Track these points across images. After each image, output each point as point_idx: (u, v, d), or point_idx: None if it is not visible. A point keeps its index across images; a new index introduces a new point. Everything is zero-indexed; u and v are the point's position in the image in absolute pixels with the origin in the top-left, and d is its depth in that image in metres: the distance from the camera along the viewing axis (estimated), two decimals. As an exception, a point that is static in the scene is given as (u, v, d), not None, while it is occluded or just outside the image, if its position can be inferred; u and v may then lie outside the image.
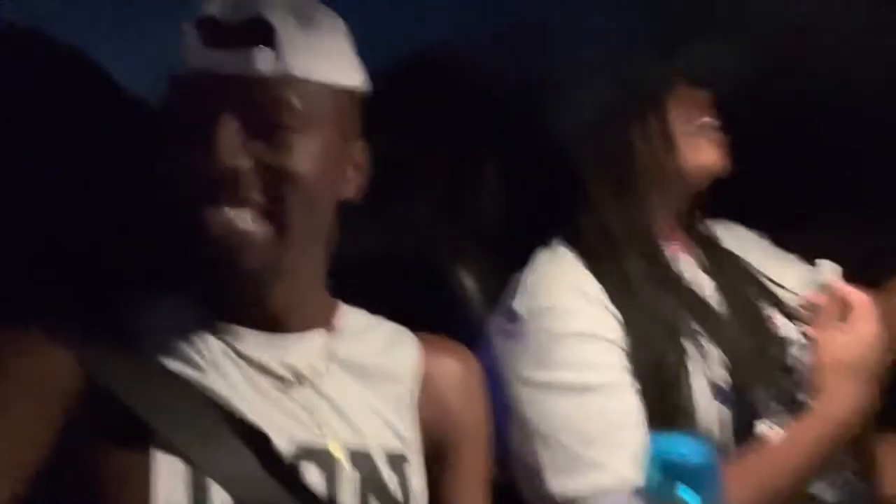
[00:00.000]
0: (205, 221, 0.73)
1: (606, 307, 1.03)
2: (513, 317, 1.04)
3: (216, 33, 0.74)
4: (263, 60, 0.73)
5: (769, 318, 1.16)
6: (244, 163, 0.73)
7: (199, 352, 0.77)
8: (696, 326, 1.06)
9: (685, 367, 1.02)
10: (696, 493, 0.65)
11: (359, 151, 0.85)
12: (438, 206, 1.37)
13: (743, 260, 1.21)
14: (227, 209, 0.73)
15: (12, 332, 0.75)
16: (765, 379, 1.07)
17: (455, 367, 0.91)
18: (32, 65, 0.97)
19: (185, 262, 0.81)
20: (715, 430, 1.02)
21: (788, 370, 1.12)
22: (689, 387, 1.01)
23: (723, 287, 1.15)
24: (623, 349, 1.01)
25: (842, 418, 1.00)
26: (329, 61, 0.78)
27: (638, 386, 1.00)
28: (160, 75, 0.79)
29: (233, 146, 0.72)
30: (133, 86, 1.03)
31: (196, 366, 0.76)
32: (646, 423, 0.98)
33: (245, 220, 0.73)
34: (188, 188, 0.73)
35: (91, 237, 0.90)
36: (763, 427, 1.04)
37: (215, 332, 0.79)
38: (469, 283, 1.22)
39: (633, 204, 1.09)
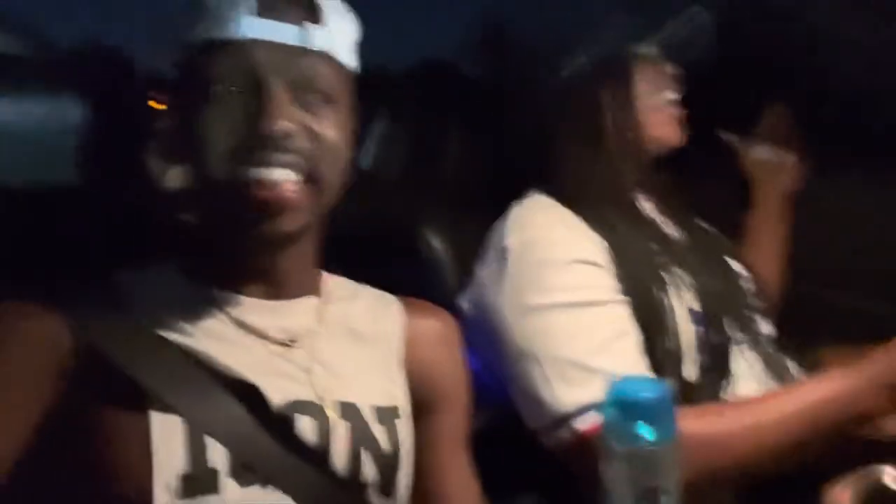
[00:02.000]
0: (255, 179, 0.76)
1: (594, 241, 1.08)
2: (504, 252, 1.08)
3: (268, 5, 0.78)
4: (316, 36, 0.79)
5: (727, 258, 1.24)
6: (293, 126, 0.77)
7: (194, 318, 0.81)
8: (669, 259, 1.11)
9: (667, 293, 1.07)
10: (651, 427, 0.68)
11: (357, 131, 0.89)
12: (406, 172, 1.39)
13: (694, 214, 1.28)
14: (275, 168, 0.77)
15: (8, 301, 0.78)
16: (732, 306, 1.13)
17: (437, 328, 0.95)
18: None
19: (185, 231, 0.83)
20: (695, 352, 1.06)
21: (750, 301, 1.20)
22: (672, 310, 1.06)
23: (685, 230, 1.22)
24: (611, 272, 1.06)
25: (865, 405, 0.96)
26: (350, 46, 0.85)
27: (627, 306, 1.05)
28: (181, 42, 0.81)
29: (285, 109, 0.77)
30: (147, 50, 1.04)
31: (191, 331, 0.79)
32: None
33: (291, 180, 0.78)
34: (237, 148, 0.77)
35: (87, 207, 0.91)
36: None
37: (212, 299, 0.83)
38: (438, 245, 1.25)
39: (603, 161, 1.14)
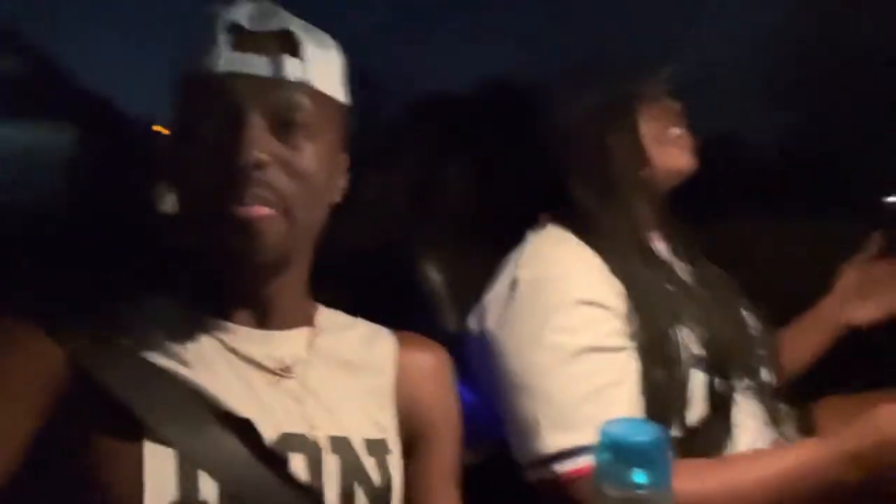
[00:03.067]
0: (227, 211, 0.77)
1: (609, 280, 1.08)
2: (515, 283, 1.08)
3: (246, 40, 0.79)
4: (292, 68, 0.80)
5: (736, 303, 1.23)
6: (267, 158, 0.77)
7: (188, 346, 0.81)
8: (682, 303, 1.11)
9: (679, 341, 1.07)
10: (645, 472, 0.67)
11: (345, 161, 0.90)
12: (405, 205, 1.40)
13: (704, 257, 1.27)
14: (248, 200, 0.77)
15: (3, 326, 0.78)
16: (739, 355, 1.12)
17: (429, 362, 0.95)
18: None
19: (180, 259, 0.83)
20: (699, 397, 1.06)
21: (757, 350, 1.19)
22: (681, 355, 1.06)
23: (697, 273, 1.21)
24: (621, 318, 1.06)
25: (837, 474, 0.95)
26: (333, 77, 0.85)
27: (635, 351, 1.05)
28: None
29: (259, 141, 0.77)
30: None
31: (185, 360, 0.79)
32: (639, 384, 1.04)
33: (265, 210, 0.78)
34: (213, 179, 0.77)
35: (84, 236, 0.91)
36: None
37: (206, 328, 0.83)
38: (436, 279, 1.24)
39: (615, 203, 1.14)
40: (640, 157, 1.14)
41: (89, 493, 0.72)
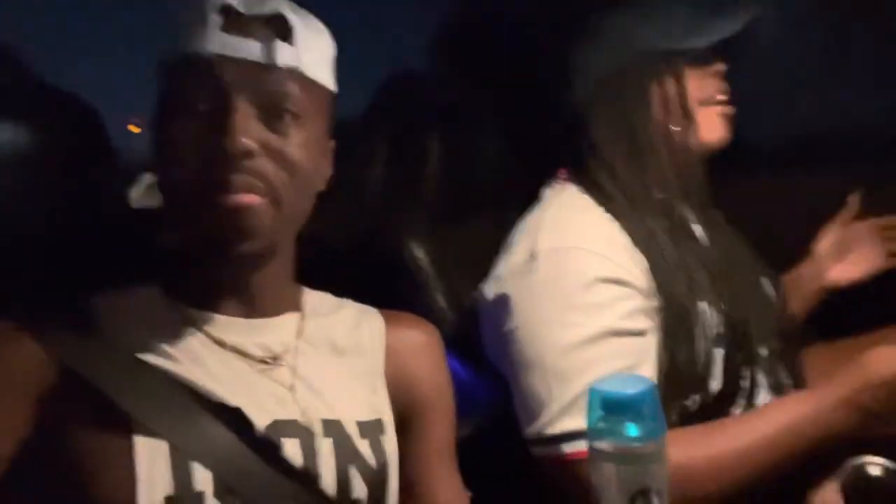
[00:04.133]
0: (214, 200, 0.76)
1: (631, 255, 1.05)
2: (534, 255, 1.05)
3: (237, 22, 0.78)
4: (283, 53, 0.79)
5: (757, 274, 1.22)
6: (255, 146, 0.76)
7: (173, 339, 0.80)
8: (705, 277, 1.09)
9: (702, 316, 1.05)
10: (636, 425, 0.68)
11: (331, 148, 0.90)
12: (389, 184, 1.40)
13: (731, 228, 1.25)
14: (236, 188, 0.76)
15: None
16: (757, 332, 1.11)
17: (418, 339, 0.95)
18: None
19: (162, 251, 0.83)
20: (717, 373, 1.06)
21: (773, 321, 1.17)
22: (703, 334, 1.05)
23: (720, 244, 1.18)
24: (644, 294, 1.04)
25: (832, 422, 0.96)
26: (323, 64, 0.85)
27: (657, 330, 1.04)
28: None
29: (247, 126, 0.76)
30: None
31: (171, 352, 0.79)
32: (659, 366, 1.03)
33: (252, 199, 0.77)
34: (199, 166, 0.76)
35: (64, 230, 0.91)
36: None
37: (191, 320, 0.82)
38: (422, 257, 1.25)
39: (647, 163, 1.11)
40: (685, 116, 1.10)
41: (83, 491, 0.72)
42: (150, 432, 0.74)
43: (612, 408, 0.68)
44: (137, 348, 0.78)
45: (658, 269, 1.05)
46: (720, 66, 1.14)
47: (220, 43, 0.77)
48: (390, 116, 1.40)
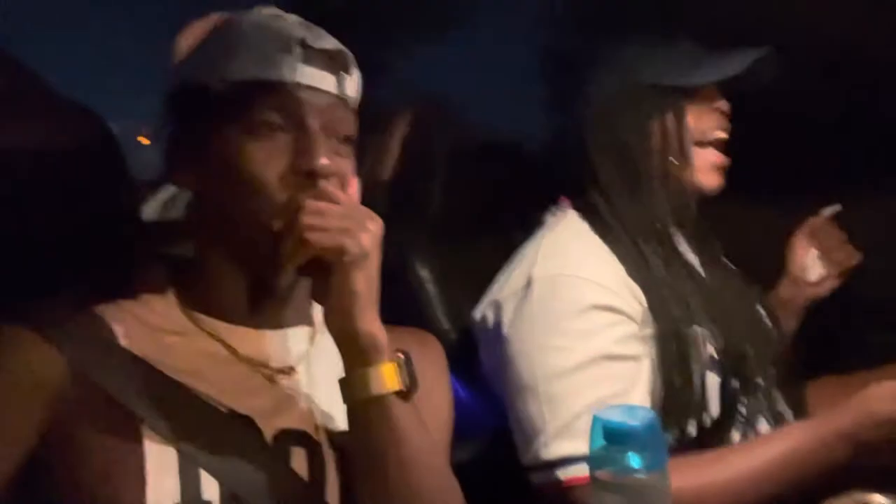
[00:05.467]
0: (294, 217, 0.77)
1: (626, 282, 1.06)
2: (530, 281, 1.06)
3: (313, 56, 0.83)
4: (348, 85, 0.86)
5: (753, 303, 1.22)
6: (335, 171, 0.81)
7: (186, 347, 0.81)
8: (701, 305, 1.09)
9: (696, 342, 1.06)
10: (639, 456, 0.68)
11: None
12: (394, 203, 1.40)
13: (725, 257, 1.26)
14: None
15: (2, 330, 0.77)
16: (754, 359, 1.11)
17: (422, 352, 0.94)
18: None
19: (177, 261, 0.83)
20: (713, 399, 1.06)
21: (770, 349, 1.18)
22: (698, 359, 1.05)
23: (717, 274, 1.19)
24: (637, 322, 1.05)
25: (830, 454, 0.96)
26: (358, 92, 0.89)
27: (650, 356, 1.04)
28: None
29: (327, 148, 0.81)
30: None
31: (184, 360, 0.80)
32: (653, 392, 1.03)
33: None
34: (279, 182, 0.79)
35: (79, 236, 0.91)
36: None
37: (205, 330, 0.83)
38: (426, 276, 1.25)
39: (643, 195, 1.12)
40: (681, 153, 1.12)
41: (93, 496, 0.73)
42: (160, 439, 0.75)
43: (614, 438, 0.68)
44: (150, 355, 0.79)
45: (652, 297, 1.06)
46: (723, 105, 1.15)
47: (304, 73, 0.82)
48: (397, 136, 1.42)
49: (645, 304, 1.05)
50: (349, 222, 0.76)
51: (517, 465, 1.04)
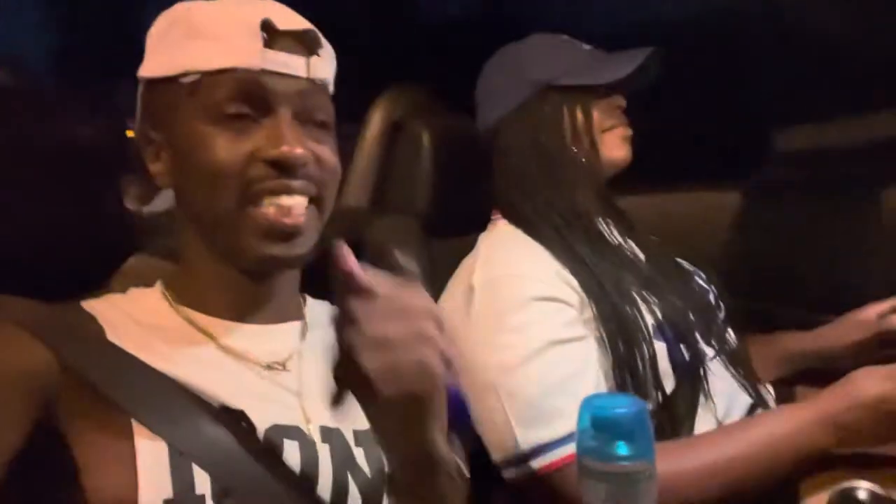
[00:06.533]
0: (269, 206, 0.78)
1: (559, 274, 1.10)
2: (470, 290, 1.10)
3: (278, 38, 0.81)
4: (317, 67, 0.83)
5: (684, 273, 1.26)
6: (308, 153, 0.80)
7: (178, 343, 0.81)
8: (636, 280, 1.13)
9: (639, 314, 1.08)
10: (627, 444, 0.68)
11: None
12: (379, 198, 1.40)
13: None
14: (292, 194, 0.79)
15: None
16: (698, 322, 1.14)
17: None
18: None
19: (168, 255, 0.83)
20: (666, 369, 1.07)
21: (716, 316, 1.21)
22: (638, 327, 1.07)
23: (642, 249, 1.24)
24: (577, 308, 1.08)
25: (814, 440, 0.97)
26: (332, 73, 0.88)
27: (597, 337, 1.07)
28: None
29: (297, 135, 0.80)
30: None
31: (175, 356, 0.79)
32: (606, 372, 1.05)
33: (301, 205, 0.80)
34: (250, 173, 0.78)
35: (68, 231, 0.90)
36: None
37: (196, 325, 0.83)
38: (412, 269, 1.24)
39: (566, 187, 1.19)
40: (591, 143, 1.19)
41: (84, 492, 0.72)
42: (151, 434, 0.74)
43: (602, 427, 0.68)
44: (140, 350, 0.78)
45: (585, 281, 1.09)
46: (621, 100, 1.24)
47: (267, 58, 0.80)
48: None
49: (581, 291, 1.09)
50: (415, 342, 0.62)
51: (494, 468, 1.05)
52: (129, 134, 1.03)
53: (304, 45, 0.83)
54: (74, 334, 0.78)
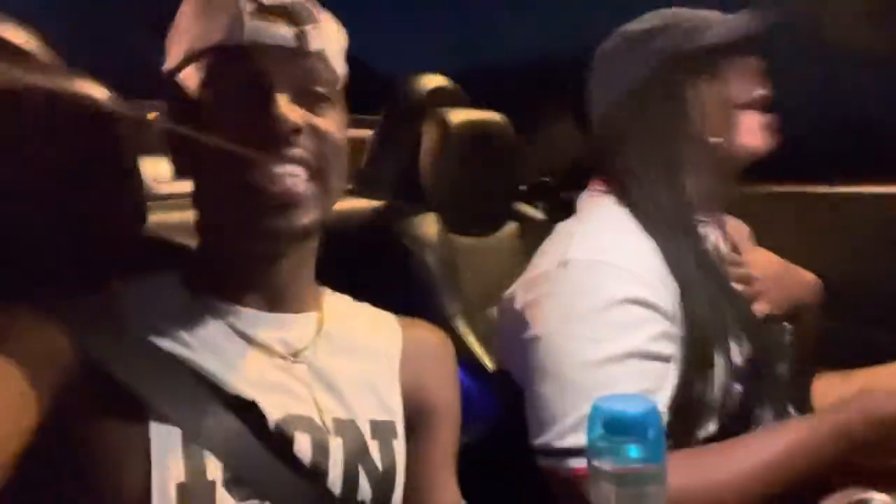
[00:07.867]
0: (264, 177, 0.77)
1: (662, 277, 1.03)
2: (566, 265, 1.02)
3: (267, 9, 0.80)
4: (313, 39, 0.81)
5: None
6: (299, 122, 0.79)
7: (194, 330, 0.81)
8: (735, 316, 1.06)
9: (723, 350, 1.03)
10: (638, 446, 0.67)
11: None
12: (400, 194, 1.40)
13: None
14: (286, 164, 0.78)
15: (6, 312, 0.76)
16: (778, 358, 1.10)
17: (432, 345, 0.97)
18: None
19: (186, 241, 0.83)
20: (732, 409, 1.04)
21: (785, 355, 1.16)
22: (723, 367, 1.02)
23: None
24: (670, 320, 1.01)
25: (825, 450, 0.95)
26: (339, 53, 0.87)
27: (677, 355, 1.01)
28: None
29: (290, 108, 0.78)
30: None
31: (191, 343, 0.80)
32: (675, 394, 1.00)
33: (300, 176, 0.79)
34: (245, 147, 0.78)
35: (86, 218, 0.91)
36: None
37: (213, 312, 0.83)
38: (433, 264, 1.25)
39: (678, 183, 1.08)
40: (724, 116, 1.05)
41: (97, 476, 0.72)
42: (164, 420, 0.74)
43: (614, 427, 0.68)
44: (155, 336, 0.79)
45: (687, 298, 1.02)
46: (756, 63, 1.09)
47: (255, 30, 0.79)
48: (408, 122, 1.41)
49: (678, 303, 1.02)
50: None
51: (515, 455, 1.03)
52: (151, 117, 1.03)
53: (296, 16, 0.81)
54: (90, 320, 0.78)
